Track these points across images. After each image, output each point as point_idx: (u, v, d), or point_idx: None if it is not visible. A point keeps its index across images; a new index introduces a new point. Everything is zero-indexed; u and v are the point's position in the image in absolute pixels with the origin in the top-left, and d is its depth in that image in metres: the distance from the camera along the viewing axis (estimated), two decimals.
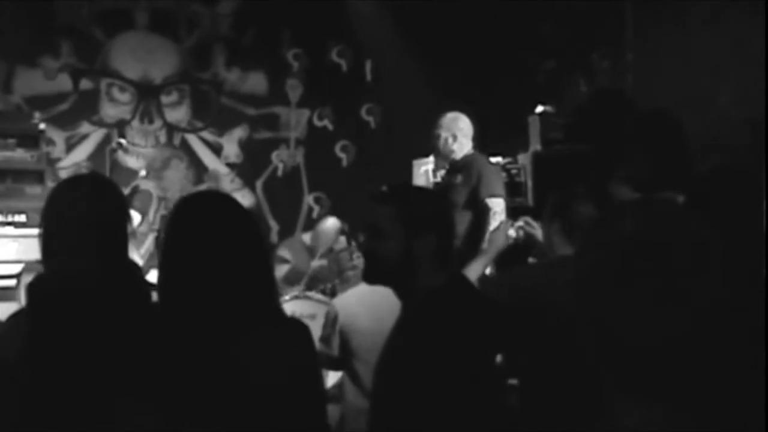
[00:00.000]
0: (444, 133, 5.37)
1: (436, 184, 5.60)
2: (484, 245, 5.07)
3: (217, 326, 2.04)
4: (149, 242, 5.50)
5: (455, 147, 5.37)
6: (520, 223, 4.40)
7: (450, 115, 5.44)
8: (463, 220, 5.17)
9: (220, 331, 2.03)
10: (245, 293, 2.08)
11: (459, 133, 5.37)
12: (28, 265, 4.60)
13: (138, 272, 2.35)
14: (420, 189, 3.75)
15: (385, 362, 2.36)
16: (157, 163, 5.63)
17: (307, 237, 6.84)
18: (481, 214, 5.15)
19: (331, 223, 6.69)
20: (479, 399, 2.23)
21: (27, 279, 4.41)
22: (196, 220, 2.15)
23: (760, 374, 2.15)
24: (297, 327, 2.21)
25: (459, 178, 5.28)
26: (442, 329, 2.25)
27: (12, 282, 5.01)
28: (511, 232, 4.69)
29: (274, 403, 2.02)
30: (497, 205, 5.15)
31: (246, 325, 2.06)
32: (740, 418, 2.14)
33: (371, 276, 2.44)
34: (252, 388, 2.00)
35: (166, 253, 2.15)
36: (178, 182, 5.79)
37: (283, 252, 6.93)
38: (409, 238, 2.33)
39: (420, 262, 2.34)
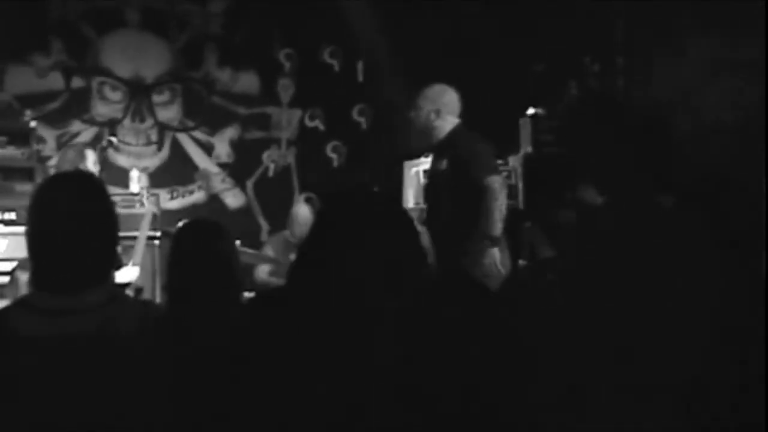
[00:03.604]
0: (428, 106, 4.71)
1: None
2: (494, 231, 4.42)
3: None
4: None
5: (438, 123, 4.70)
6: None
7: (436, 88, 4.78)
8: (459, 203, 4.57)
9: None
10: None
11: (444, 108, 4.71)
12: (22, 263, 4.59)
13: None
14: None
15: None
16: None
17: (288, 233, 6.81)
18: (481, 193, 4.48)
19: (304, 211, 6.74)
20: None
21: (22, 276, 4.44)
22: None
23: (754, 376, 2.17)
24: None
25: (444, 163, 4.65)
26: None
27: (5, 279, 5.00)
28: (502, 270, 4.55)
29: None
30: (495, 182, 4.53)
31: None
32: (733, 417, 2.16)
33: None
34: None
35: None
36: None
37: (267, 250, 6.93)
38: None
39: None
